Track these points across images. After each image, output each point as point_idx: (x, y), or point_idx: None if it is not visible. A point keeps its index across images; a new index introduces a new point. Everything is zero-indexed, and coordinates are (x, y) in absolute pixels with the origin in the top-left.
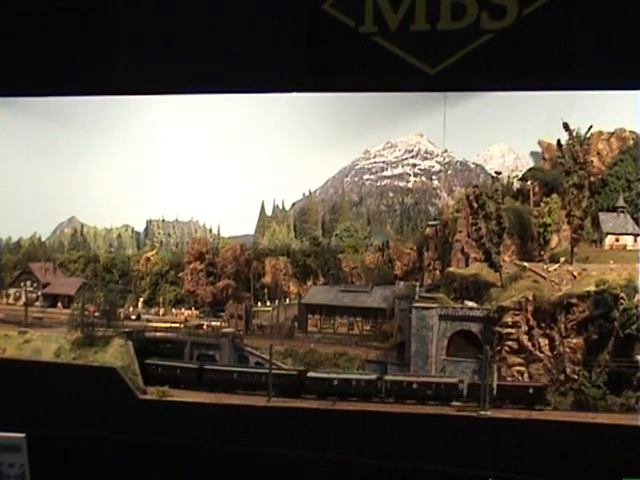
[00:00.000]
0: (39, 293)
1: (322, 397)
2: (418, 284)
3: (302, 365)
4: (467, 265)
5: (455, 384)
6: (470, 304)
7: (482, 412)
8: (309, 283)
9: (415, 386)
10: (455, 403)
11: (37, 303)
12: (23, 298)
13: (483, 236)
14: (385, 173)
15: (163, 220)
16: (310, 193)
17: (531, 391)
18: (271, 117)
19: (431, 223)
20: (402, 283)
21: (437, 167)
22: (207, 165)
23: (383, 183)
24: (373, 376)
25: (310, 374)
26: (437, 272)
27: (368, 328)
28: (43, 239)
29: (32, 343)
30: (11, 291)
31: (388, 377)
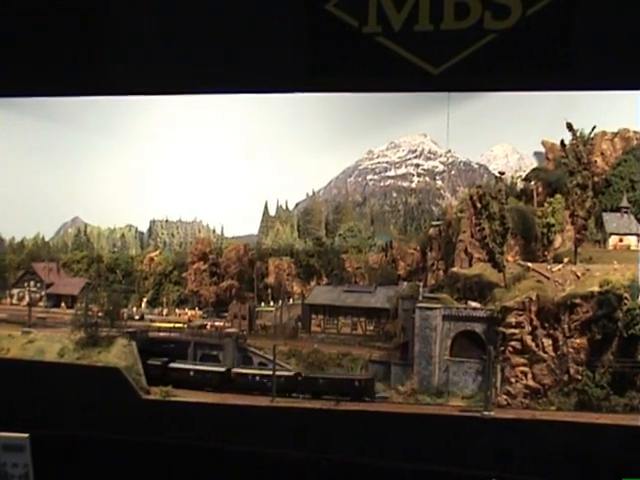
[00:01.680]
0: (43, 293)
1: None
2: (422, 284)
3: (306, 365)
4: (471, 265)
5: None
6: (474, 304)
7: (486, 412)
8: (312, 283)
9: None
10: (457, 403)
11: (41, 303)
12: (27, 298)
13: (487, 236)
14: (389, 173)
15: (166, 220)
16: (314, 193)
17: (357, 384)
18: (274, 118)
19: (435, 223)
20: (405, 283)
21: (441, 167)
22: (211, 165)
23: (387, 183)
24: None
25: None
26: (441, 272)
27: (371, 328)
28: (47, 239)
29: (36, 343)
30: (15, 291)
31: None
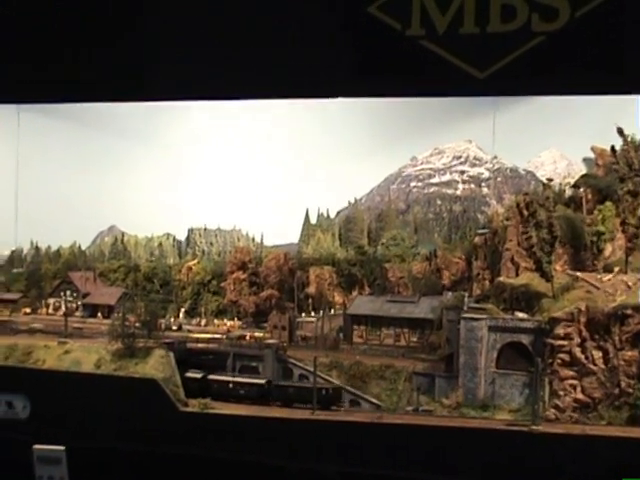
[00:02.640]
0: (79, 303)
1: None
2: (467, 294)
3: (348, 378)
4: (517, 275)
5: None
6: (521, 315)
7: (533, 427)
8: (354, 293)
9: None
10: (504, 417)
11: (77, 313)
12: (63, 308)
13: (534, 245)
14: (433, 180)
15: (205, 228)
16: (356, 201)
17: (324, 392)
18: (316, 123)
19: (480, 231)
20: (450, 293)
21: (486, 174)
22: (251, 172)
23: (431, 190)
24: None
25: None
26: (486, 282)
27: (415, 339)
28: (83, 248)
29: (72, 354)
30: (51, 301)
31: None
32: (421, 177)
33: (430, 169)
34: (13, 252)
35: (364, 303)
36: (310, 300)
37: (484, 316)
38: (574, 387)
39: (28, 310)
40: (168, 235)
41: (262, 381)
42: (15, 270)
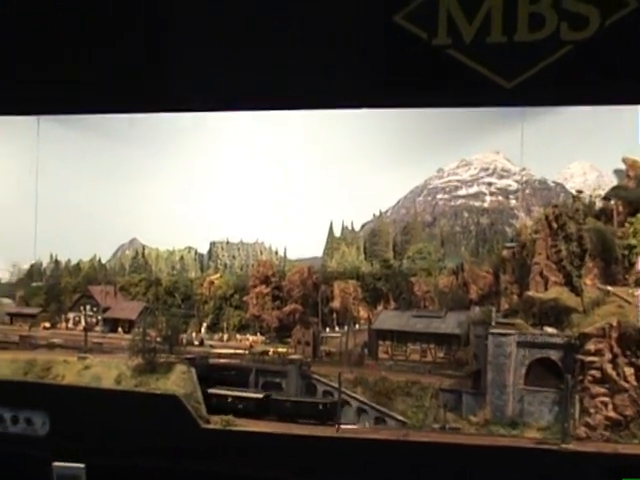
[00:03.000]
0: (99, 317)
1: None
2: (495, 309)
3: (373, 394)
4: (546, 289)
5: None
6: (550, 330)
7: (563, 445)
8: (380, 308)
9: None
10: (533, 435)
11: (97, 328)
12: (83, 323)
13: (563, 258)
14: (459, 192)
15: (227, 242)
16: (381, 213)
17: (321, 407)
18: (340, 134)
19: (508, 245)
20: (478, 308)
21: (514, 186)
22: (273, 184)
23: (457, 203)
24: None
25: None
26: (515, 296)
27: (442, 355)
28: (103, 261)
29: (92, 369)
30: (70, 315)
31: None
32: (448, 189)
33: (457, 181)
34: (32, 266)
35: (389, 318)
36: (334, 315)
37: (512, 331)
38: (605, 404)
39: (47, 325)
40: (190, 248)
41: (260, 395)
42: (34, 284)
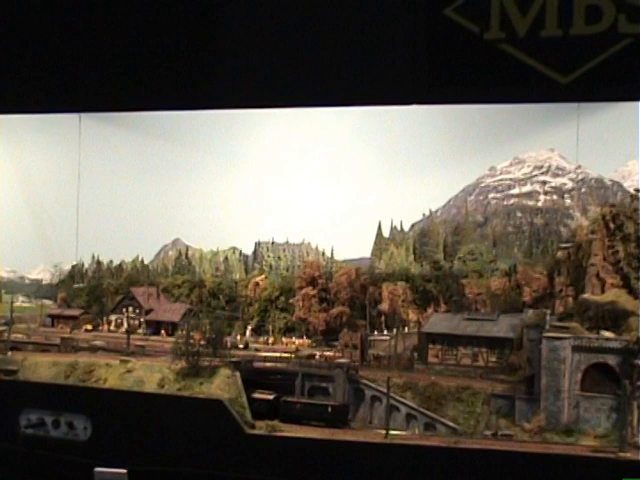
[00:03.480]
0: (142, 320)
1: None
2: (549, 312)
3: (423, 400)
4: (603, 291)
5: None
6: (607, 334)
7: (621, 453)
8: (430, 310)
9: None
10: (589, 443)
11: (140, 330)
12: (125, 325)
13: (621, 260)
14: (512, 191)
15: (273, 242)
16: (431, 213)
17: (330, 410)
18: (389, 132)
19: (563, 245)
20: (531, 311)
21: (570, 184)
22: (320, 183)
23: (510, 202)
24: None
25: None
26: (570, 299)
27: (494, 359)
28: (146, 262)
29: (134, 373)
30: (112, 317)
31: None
32: (500, 188)
33: (510, 179)
34: (74, 267)
35: (440, 321)
36: (383, 317)
37: (567, 335)
38: None
39: (89, 327)
40: (234, 249)
41: (270, 397)
42: (76, 285)
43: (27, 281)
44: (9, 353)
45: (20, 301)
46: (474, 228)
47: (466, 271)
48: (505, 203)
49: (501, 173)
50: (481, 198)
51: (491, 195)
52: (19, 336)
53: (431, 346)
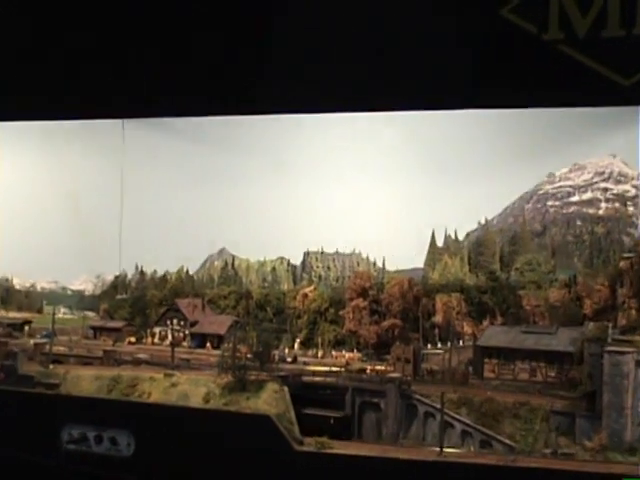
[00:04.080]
0: (186, 332)
1: None
2: (611, 325)
3: (478, 416)
4: None
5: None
6: None
7: None
8: (485, 323)
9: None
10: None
11: (184, 343)
12: (169, 337)
13: None
14: (572, 199)
15: (322, 252)
16: (486, 222)
17: (332, 421)
18: (442, 136)
19: (626, 255)
20: (592, 324)
21: (632, 192)
22: (370, 190)
23: (570, 210)
24: None
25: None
26: (633, 311)
27: (553, 375)
28: (191, 273)
29: (179, 387)
30: (156, 330)
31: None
32: (559, 195)
33: (569, 186)
34: (117, 277)
35: (496, 334)
36: (437, 330)
37: (631, 349)
38: None
39: (132, 339)
40: (282, 259)
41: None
42: (119, 296)
43: (69, 292)
44: (51, 366)
45: (62, 312)
46: (532, 237)
47: (523, 282)
48: (564, 211)
49: (560, 180)
50: (539, 206)
51: (550, 203)
52: (61, 349)
53: (487, 360)
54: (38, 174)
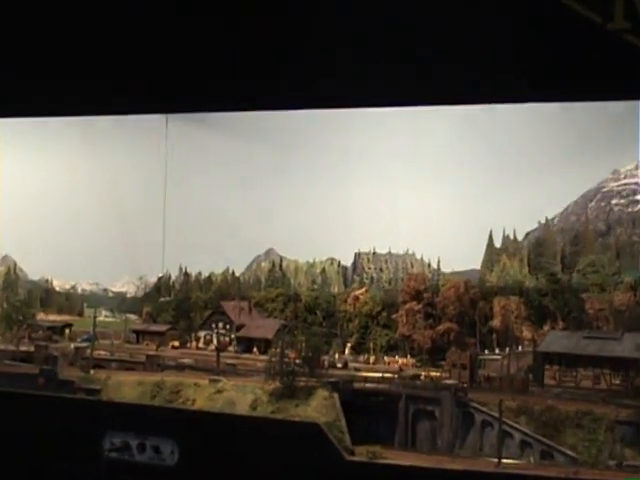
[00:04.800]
0: (232, 336)
1: None
2: None
3: (538, 425)
4: None
5: None
6: None
7: None
8: (546, 327)
9: None
10: None
11: (230, 348)
12: (215, 342)
13: None
14: (638, 197)
15: (374, 253)
16: (547, 221)
17: None
18: (499, 133)
19: None
20: None
21: None
22: (425, 189)
23: (636, 209)
24: None
25: None
26: None
27: (618, 382)
28: (237, 274)
29: (225, 393)
30: (201, 333)
31: None
32: (624, 193)
33: (635, 184)
34: (160, 279)
35: (557, 339)
36: (494, 335)
37: None
38: None
39: (176, 344)
40: (332, 260)
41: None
42: (162, 299)
43: (110, 294)
44: (92, 371)
45: (103, 315)
46: (595, 237)
47: (586, 285)
48: (630, 210)
49: (625, 177)
50: (603, 204)
51: (614, 201)
52: (102, 353)
53: (547, 367)
54: (79, 174)
